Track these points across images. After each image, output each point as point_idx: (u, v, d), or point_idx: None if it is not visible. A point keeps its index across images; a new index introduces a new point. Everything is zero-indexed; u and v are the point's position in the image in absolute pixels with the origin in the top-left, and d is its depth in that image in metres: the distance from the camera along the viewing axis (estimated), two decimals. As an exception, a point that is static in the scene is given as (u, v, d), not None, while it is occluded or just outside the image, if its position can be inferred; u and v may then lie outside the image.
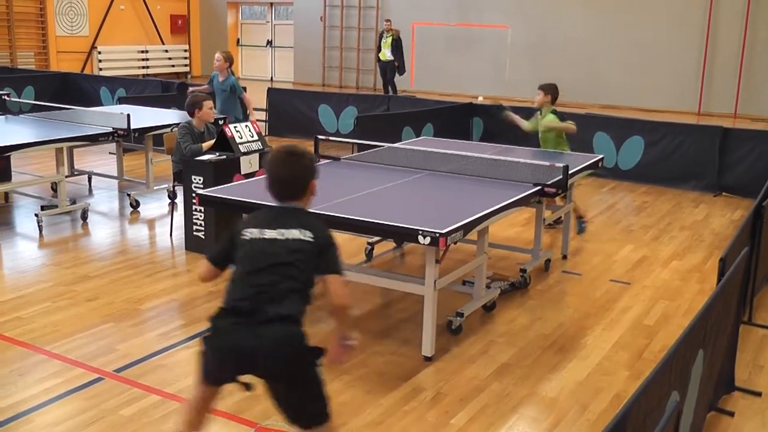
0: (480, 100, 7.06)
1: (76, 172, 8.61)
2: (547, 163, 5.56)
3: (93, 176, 8.71)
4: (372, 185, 5.24)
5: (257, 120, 7.62)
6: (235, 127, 6.40)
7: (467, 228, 4.28)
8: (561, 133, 7.01)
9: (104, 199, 8.13)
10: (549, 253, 6.26)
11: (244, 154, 6.30)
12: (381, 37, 16.50)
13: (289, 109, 12.52)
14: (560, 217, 6.69)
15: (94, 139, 7.32)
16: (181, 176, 6.45)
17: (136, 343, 4.54)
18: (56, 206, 7.12)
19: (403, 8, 19.20)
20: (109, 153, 9.71)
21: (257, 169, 6.32)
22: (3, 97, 10.31)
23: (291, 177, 2.94)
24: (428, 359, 4.43)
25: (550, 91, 6.99)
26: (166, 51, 21.66)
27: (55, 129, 7.40)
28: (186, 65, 22.19)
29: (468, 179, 5.48)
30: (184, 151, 6.40)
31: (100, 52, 19.85)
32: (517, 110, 7.98)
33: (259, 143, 6.49)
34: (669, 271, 6.27)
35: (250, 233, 2.85)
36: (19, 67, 17.20)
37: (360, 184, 5.31)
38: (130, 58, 20.67)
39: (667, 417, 2.20)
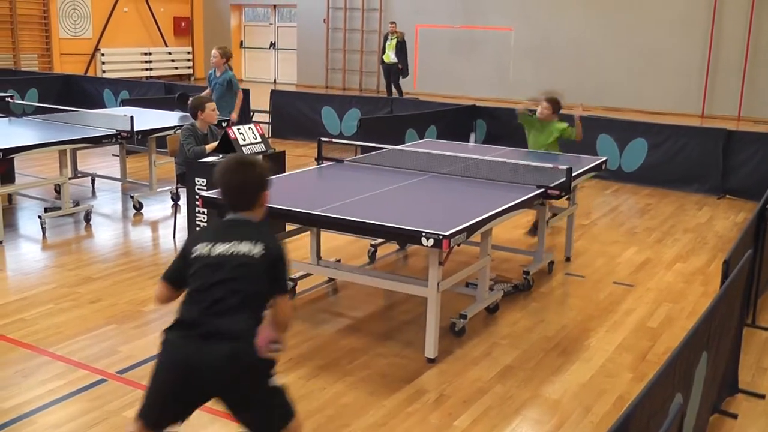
0: (521, 108, 7.16)
1: (79, 174, 8.61)
2: (551, 166, 5.56)
3: (96, 178, 8.73)
4: (375, 187, 5.24)
5: (260, 122, 7.62)
6: (238, 129, 6.41)
7: (470, 230, 4.28)
8: (555, 140, 7.00)
9: (107, 201, 8.14)
10: (552, 255, 6.26)
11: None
12: (385, 39, 16.49)
13: (293, 112, 12.53)
14: (536, 221, 6.75)
15: (97, 141, 7.32)
16: (184, 178, 6.45)
17: (139, 345, 4.53)
18: (59, 208, 7.12)
19: (407, 11, 19.21)
20: (113, 155, 9.72)
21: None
22: (6, 99, 10.32)
23: (241, 185, 2.87)
24: (431, 361, 4.42)
25: (557, 106, 6.96)
26: (170, 53, 21.69)
27: (59, 131, 7.41)
28: (189, 67, 22.23)
29: (471, 181, 5.48)
30: (187, 153, 6.40)
31: (103, 54, 19.89)
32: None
33: (262, 145, 6.49)
34: (672, 273, 6.27)
35: (199, 249, 2.80)
36: (23, 69, 17.22)
37: (363, 186, 5.31)
38: (134, 60, 20.70)
39: (671, 419, 2.20)
